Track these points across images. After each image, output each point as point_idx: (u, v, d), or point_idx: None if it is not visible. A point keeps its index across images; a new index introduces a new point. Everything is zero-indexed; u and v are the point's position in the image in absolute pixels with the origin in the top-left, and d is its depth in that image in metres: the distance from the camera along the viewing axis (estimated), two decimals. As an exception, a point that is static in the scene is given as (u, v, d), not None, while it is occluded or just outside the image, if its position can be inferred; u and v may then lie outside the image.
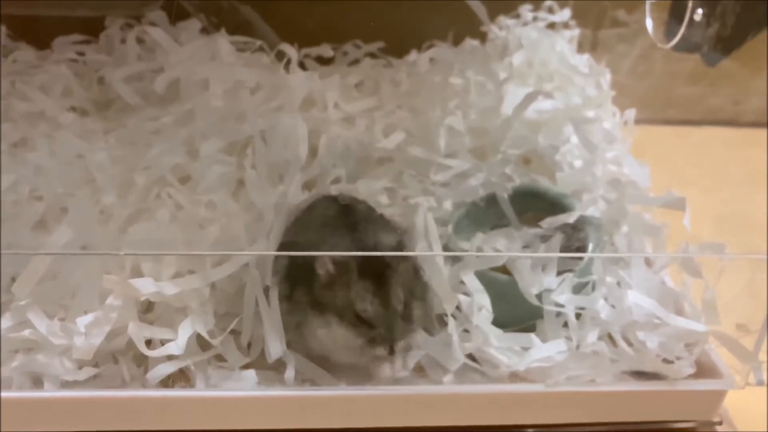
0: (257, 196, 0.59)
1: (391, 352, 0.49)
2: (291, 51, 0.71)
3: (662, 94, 0.78)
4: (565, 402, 0.53)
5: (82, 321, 0.51)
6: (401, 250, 0.50)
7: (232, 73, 0.66)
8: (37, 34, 0.79)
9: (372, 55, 0.82)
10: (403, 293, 0.49)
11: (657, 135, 0.78)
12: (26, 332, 0.52)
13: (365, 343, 0.49)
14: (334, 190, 0.62)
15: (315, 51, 0.79)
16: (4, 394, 0.49)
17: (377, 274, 0.49)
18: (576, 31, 0.85)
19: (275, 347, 0.51)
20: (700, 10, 0.62)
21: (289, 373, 0.51)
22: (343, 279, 0.49)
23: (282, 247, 0.54)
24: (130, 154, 0.63)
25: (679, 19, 0.65)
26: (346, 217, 0.54)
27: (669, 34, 0.68)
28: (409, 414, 0.53)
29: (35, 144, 0.64)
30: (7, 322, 0.52)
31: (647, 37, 0.71)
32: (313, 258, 0.49)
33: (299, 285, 0.51)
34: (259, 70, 0.69)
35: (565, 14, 0.85)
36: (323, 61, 0.80)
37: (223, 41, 0.70)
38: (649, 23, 0.71)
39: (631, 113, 0.75)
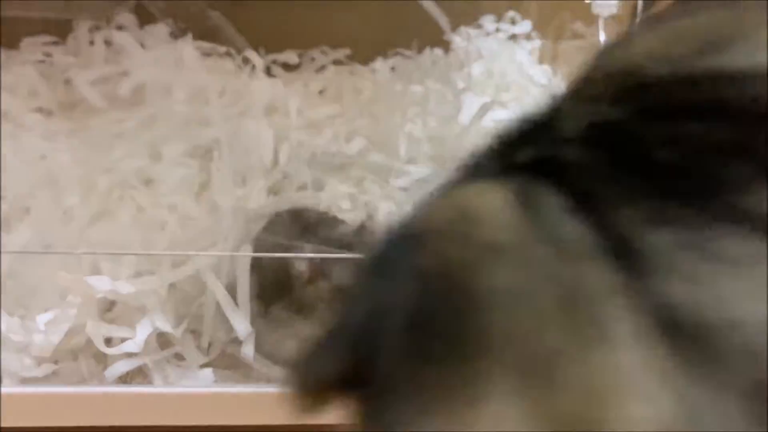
0: (220, 199, 0.60)
1: None
2: (255, 57, 0.73)
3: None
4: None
5: (42, 319, 0.52)
6: None
7: (195, 78, 0.67)
8: (5, 34, 0.79)
9: (339, 62, 0.84)
10: None
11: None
12: (-15, 329, 0.52)
13: None
14: (298, 197, 0.63)
15: (282, 57, 0.81)
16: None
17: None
18: (537, 43, 0.88)
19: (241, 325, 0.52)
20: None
21: (248, 349, 0.52)
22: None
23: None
24: (93, 155, 0.64)
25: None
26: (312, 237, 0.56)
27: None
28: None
29: (-1, 144, 0.65)
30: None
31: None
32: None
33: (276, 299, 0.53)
34: (223, 75, 0.70)
35: (526, 26, 0.88)
36: (290, 67, 0.81)
37: (187, 46, 0.71)
38: (602, 38, 0.73)
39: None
